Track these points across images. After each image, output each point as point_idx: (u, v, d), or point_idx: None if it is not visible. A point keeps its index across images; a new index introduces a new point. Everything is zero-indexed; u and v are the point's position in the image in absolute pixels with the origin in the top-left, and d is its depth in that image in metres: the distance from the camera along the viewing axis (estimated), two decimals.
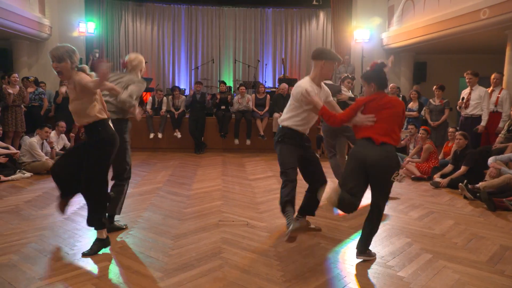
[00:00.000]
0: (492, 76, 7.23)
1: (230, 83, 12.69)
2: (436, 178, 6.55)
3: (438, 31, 9.18)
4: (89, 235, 3.87)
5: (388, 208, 5.07)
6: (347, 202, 3.30)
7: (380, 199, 3.39)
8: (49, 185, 6.07)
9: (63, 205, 3.69)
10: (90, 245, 3.53)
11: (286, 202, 3.55)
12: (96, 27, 11.29)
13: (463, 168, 6.18)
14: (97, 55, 11.04)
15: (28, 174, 6.65)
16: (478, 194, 5.45)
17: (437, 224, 4.50)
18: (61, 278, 3.01)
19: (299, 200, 3.91)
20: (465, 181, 5.78)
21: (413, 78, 12.05)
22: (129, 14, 13.16)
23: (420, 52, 11.70)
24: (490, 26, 7.81)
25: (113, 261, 3.34)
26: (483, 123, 7.00)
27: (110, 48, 12.72)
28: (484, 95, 7.02)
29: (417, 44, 10.42)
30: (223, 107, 9.89)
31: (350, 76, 6.07)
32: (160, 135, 9.77)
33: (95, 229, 3.54)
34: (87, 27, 11.16)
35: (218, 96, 9.92)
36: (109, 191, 3.77)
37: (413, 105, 8.77)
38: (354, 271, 3.22)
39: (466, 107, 7.22)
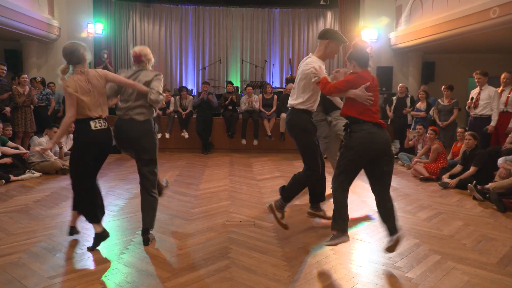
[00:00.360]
0: (502, 76, 7.16)
1: (237, 83, 12.70)
2: (445, 178, 6.50)
3: (447, 30, 9.11)
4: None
5: (396, 209, 5.03)
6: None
7: (389, 182, 3.42)
8: (58, 185, 6.12)
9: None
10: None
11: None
12: (104, 28, 11.35)
13: (472, 169, 6.13)
14: (105, 55, 11.10)
15: (37, 174, 6.70)
16: (487, 195, 5.40)
17: (445, 225, 4.47)
18: (70, 277, 3.03)
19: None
20: (474, 181, 5.74)
21: (421, 78, 11.97)
22: (137, 15, 13.21)
23: (429, 51, 11.61)
24: (500, 25, 7.73)
25: (120, 260, 3.36)
26: (493, 123, 6.93)
27: (118, 49, 12.78)
28: (494, 95, 6.95)
29: (425, 43, 10.35)
30: (230, 107, 9.90)
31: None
32: (167, 135, 9.80)
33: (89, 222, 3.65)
34: (95, 28, 11.22)
35: (229, 98, 9.89)
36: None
37: (421, 105, 8.72)
38: (361, 272, 3.21)
39: (475, 107, 7.16)
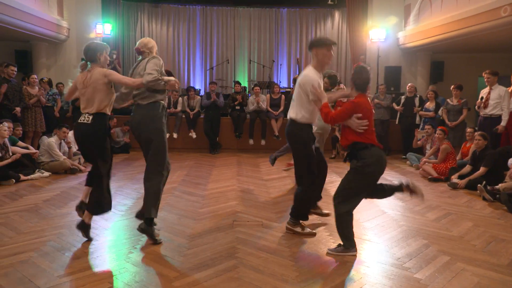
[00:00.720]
0: None
1: (245, 83, 12.70)
2: (454, 179, 6.46)
3: (456, 29, 9.03)
4: (106, 234, 3.92)
5: (404, 209, 5.02)
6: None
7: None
8: (67, 184, 6.16)
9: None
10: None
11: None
12: (112, 29, 11.41)
13: (482, 169, 6.07)
14: (114, 56, 11.16)
15: (46, 174, 6.76)
16: (497, 196, 5.35)
17: (455, 225, 4.43)
18: (79, 276, 3.05)
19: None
20: (484, 182, 5.68)
21: (430, 78, 11.89)
22: (145, 16, 13.27)
23: (437, 51, 11.53)
24: (511, 24, 7.66)
25: (129, 260, 3.37)
26: (503, 123, 6.87)
27: (127, 49, 12.85)
28: (504, 95, 6.89)
29: (434, 43, 10.27)
30: (238, 107, 9.91)
31: (327, 75, 5.26)
32: (175, 135, 9.84)
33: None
34: (104, 29, 11.29)
35: (239, 99, 9.90)
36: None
37: (430, 105, 8.66)
38: (370, 273, 3.19)
39: (485, 107, 7.10)
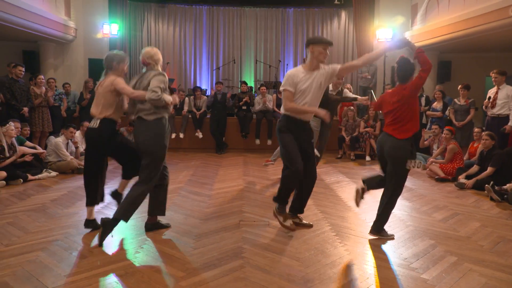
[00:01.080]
0: None
1: (251, 83, 12.70)
2: (461, 179, 6.42)
3: (464, 29, 8.98)
4: (112, 234, 3.93)
5: (411, 209, 5.00)
6: None
7: None
8: (74, 184, 6.20)
9: None
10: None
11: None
12: (119, 29, 11.46)
13: (489, 169, 6.04)
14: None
15: (54, 173, 6.80)
16: (505, 196, 5.32)
17: (462, 226, 4.41)
18: (86, 275, 3.06)
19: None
20: (492, 182, 5.65)
21: (437, 78, 11.83)
22: (151, 16, 13.31)
23: (445, 51, 11.47)
24: None
25: (136, 259, 3.39)
26: (510, 123, 6.82)
27: (133, 49, 12.89)
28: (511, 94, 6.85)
29: (441, 43, 10.22)
30: (244, 107, 9.91)
31: None
32: (181, 135, 9.87)
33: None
34: (110, 29, 11.34)
35: (244, 99, 9.92)
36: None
37: (437, 105, 8.62)
38: (376, 273, 3.18)
39: (493, 106, 7.06)
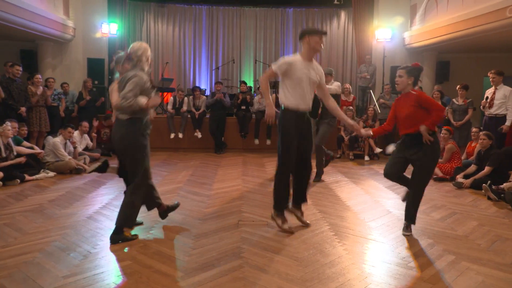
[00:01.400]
0: None
1: (250, 83, 12.70)
2: (459, 178, 6.44)
3: (462, 29, 9.00)
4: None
5: None
6: None
7: None
8: (72, 185, 6.19)
9: None
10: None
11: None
12: (118, 28, 11.44)
13: (487, 169, 6.06)
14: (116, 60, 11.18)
15: (51, 174, 6.79)
16: (502, 195, 5.34)
17: (460, 225, 4.42)
18: (84, 276, 3.06)
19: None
20: (489, 181, 5.67)
21: (436, 78, 11.85)
22: (151, 15, 13.29)
23: (443, 51, 11.49)
24: None
25: (134, 260, 3.39)
26: (507, 123, 6.84)
27: None
28: (509, 95, 6.86)
29: (440, 43, 10.24)
30: (243, 107, 9.92)
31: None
32: (180, 135, 9.86)
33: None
34: (109, 28, 11.32)
35: (240, 97, 9.95)
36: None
37: None
38: (375, 272, 3.19)
39: (490, 106, 7.07)
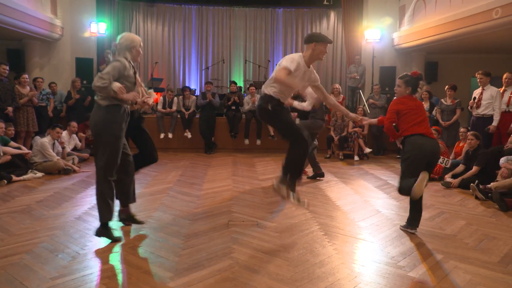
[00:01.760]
0: (504, 76, 7.15)
1: (240, 83, 12.70)
2: (447, 178, 6.50)
3: (450, 30, 9.09)
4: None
5: (399, 209, 5.04)
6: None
7: None
8: (60, 185, 6.13)
9: None
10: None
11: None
12: (107, 28, 11.37)
13: (474, 168, 6.12)
14: (109, 56, 11.11)
15: (39, 174, 6.71)
16: (489, 195, 5.40)
17: (448, 224, 4.47)
18: (72, 277, 3.03)
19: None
20: (477, 181, 5.73)
21: (424, 78, 11.93)
22: (140, 15, 13.22)
23: (432, 52, 11.60)
24: (503, 26, 7.72)
25: (123, 261, 3.37)
26: (494, 123, 6.92)
27: None
28: (496, 95, 6.94)
29: (428, 44, 10.33)
30: (233, 107, 9.91)
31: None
32: (170, 135, 9.83)
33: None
34: (98, 28, 11.24)
35: (232, 98, 9.93)
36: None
37: (424, 105, 8.70)
38: (364, 272, 3.21)
39: (478, 107, 7.15)
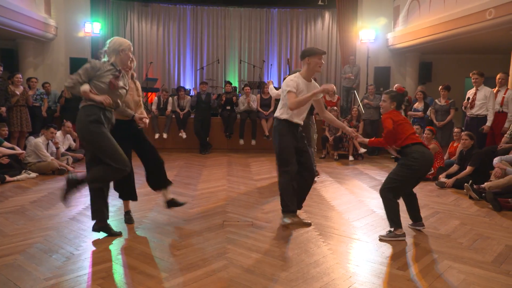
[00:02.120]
0: (498, 76, 7.19)
1: (235, 83, 12.70)
2: (442, 178, 6.53)
3: (444, 31, 9.15)
4: (94, 236, 3.89)
5: None
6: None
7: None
8: (55, 185, 6.11)
9: None
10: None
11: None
12: (101, 28, 11.34)
13: (468, 168, 6.15)
14: (102, 56, 11.08)
15: (33, 175, 6.68)
16: (483, 194, 5.42)
17: (442, 224, 4.49)
18: (66, 278, 3.01)
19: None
20: (471, 181, 5.76)
21: (419, 78, 12.01)
22: (134, 15, 13.20)
23: (426, 52, 11.65)
24: (496, 27, 7.78)
25: (118, 261, 3.35)
26: (488, 123, 6.96)
27: None
28: (489, 95, 6.98)
29: (422, 44, 10.38)
30: (228, 107, 9.91)
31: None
32: (165, 136, 9.81)
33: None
34: (92, 28, 11.21)
35: (224, 98, 9.95)
36: None
37: (418, 105, 8.75)
38: (359, 272, 3.22)
39: (472, 107, 7.19)
